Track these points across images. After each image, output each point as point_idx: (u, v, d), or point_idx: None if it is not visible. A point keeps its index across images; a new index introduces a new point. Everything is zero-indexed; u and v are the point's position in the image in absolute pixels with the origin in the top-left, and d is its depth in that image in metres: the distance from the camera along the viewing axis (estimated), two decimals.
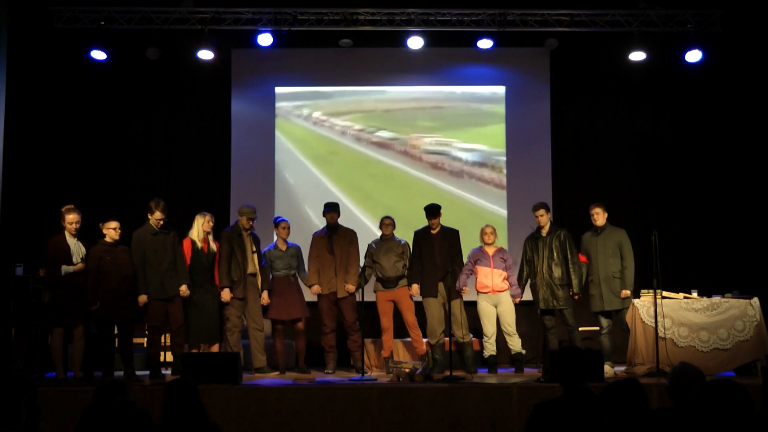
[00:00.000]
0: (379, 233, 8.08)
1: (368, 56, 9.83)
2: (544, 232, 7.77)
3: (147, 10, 8.91)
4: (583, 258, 7.70)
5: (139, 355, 7.60)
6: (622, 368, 7.35)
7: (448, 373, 6.90)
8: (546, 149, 9.72)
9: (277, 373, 7.65)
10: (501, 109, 9.83)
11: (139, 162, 9.71)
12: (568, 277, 7.62)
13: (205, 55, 9.04)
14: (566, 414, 3.50)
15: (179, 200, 8.95)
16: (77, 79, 9.44)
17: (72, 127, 9.54)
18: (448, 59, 9.81)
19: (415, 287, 7.75)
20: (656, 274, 7.03)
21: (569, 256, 7.64)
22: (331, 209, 7.93)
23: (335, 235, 7.86)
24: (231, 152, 9.70)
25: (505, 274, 7.78)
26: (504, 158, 9.75)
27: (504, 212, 9.66)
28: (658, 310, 7.03)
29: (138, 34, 9.02)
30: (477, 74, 9.84)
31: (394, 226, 7.96)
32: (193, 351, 7.21)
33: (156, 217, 7.13)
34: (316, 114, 9.86)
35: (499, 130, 9.80)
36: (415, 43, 9.15)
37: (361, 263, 7.93)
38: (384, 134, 9.80)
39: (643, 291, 7.42)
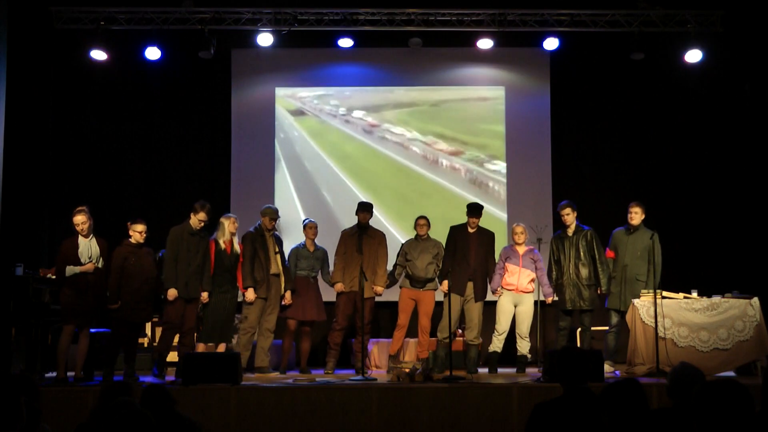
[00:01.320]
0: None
1: (368, 56, 9.84)
2: (570, 232, 7.69)
3: (147, 10, 8.91)
4: (610, 253, 7.66)
5: (140, 355, 7.60)
6: (623, 368, 7.35)
7: (448, 373, 6.90)
8: (546, 149, 9.72)
9: (277, 373, 7.65)
10: (501, 109, 9.83)
11: (138, 162, 9.71)
12: (596, 276, 7.58)
13: (205, 55, 9.04)
14: (566, 414, 3.50)
15: (179, 200, 8.93)
16: (77, 79, 9.45)
17: (72, 127, 9.54)
18: (448, 59, 9.81)
19: (445, 283, 7.65)
20: (656, 274, 7.01)
21: (596, 255, 7.58)
22: (364, 209, 7.92)
23: (365, 235, 7.85)
24: (231, 152, 9.70)
25: (533, 275, 7.75)
26: (504, 158, 9.75)
27: (504, 212, 9.66)
28: (658, 310, 7.02)
29: (138, 34, 9.02)
30: (477, 74, 9.85)
31: (429, 226, 7.91)
32: (204, 349, 7.26)
33: (199, 218, 7.18)
34: (316, 114, 9.86)
35: (498, 131, 9.81)
36: (415, 43, 9.15)
37: (391, 262, 7.92)
38: (384, 134, 9.80)
39: (643, 291, 7.42)
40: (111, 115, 9.66)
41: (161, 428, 3.30)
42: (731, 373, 7.16)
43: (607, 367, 7.11)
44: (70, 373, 6.95)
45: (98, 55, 8.92)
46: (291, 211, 9.58)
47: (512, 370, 7.79)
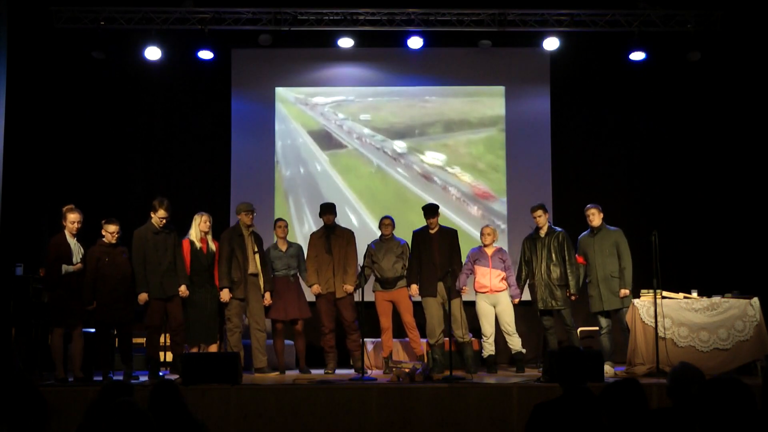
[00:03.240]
0: (379, 233, 8.07)
1: (368, 56, 9.83)
2: (542, 233, 7.77)
3: (147, 10, 8.91)
4: (580, 259, 7.70)
5: (139, 355, 7.60)
6: (622, 368, 7.35)
7: (448, 373, 6.90)
8: (546, 149, 9.72)
9: (277, 373, 7.65)
10: (501, 109, 9.83)
11: (139, 162, 9.71)
12: (566, 277, 7.62)
13: (205, 55, 9.05)
14: (566, 414, 3.50)
15: (179, 200, 8.92)
16: (77, 79, 9.44)
17: (72, 127, 9.53)
18: (448, 59, 9.81)
19: (414, 287, 7.75)
20: (656, 274, 7.03)
21: (567, 257, 7.64)
22: (327, 210, 7.91)
23: (333, 235, 7.84)
24: (231, 152, 9.70)
25: (503, 274, 7.78)
26: (504, 158, 9.74)
27: (504, 212, 9.66)
28: (658, 310, 7.02)
29: (138, 34, 9.02)
30: (477, 74, 9.85)
31: (393, 226, 7.96)
32: (192, 351, 7.20)
33: (159, 216, 7.10)
34: (316, 114, 9.86)
35: (498, 130, 9.80)
36: (415, 43, 9.15)
37: (360, 263, 7.93)
38: (384, 134, 9.80)
39: (643, 291, 7.42)
40: (111, 115, 9.66)
41: (170, 428, 3.27)
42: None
43: (609, 369, 7.10)
44: (70, 378, 6.94)
45: (98, 55, 8.91)
46: (291, 211, 9.59)
47: (512, 370, 7.80)
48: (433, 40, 9.30)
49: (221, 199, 9.45)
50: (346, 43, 9.25)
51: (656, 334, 6.99)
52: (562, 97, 9.84)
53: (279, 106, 9.84)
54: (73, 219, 6.85)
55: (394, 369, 6.95)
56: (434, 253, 7.71)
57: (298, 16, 9.09)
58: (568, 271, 7.61)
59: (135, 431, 2.70)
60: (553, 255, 7.65)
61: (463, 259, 7.87)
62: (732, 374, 3.58)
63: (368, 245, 8.01)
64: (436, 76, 9.84)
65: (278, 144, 9.77)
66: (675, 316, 7.18)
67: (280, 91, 9.86)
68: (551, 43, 9.23)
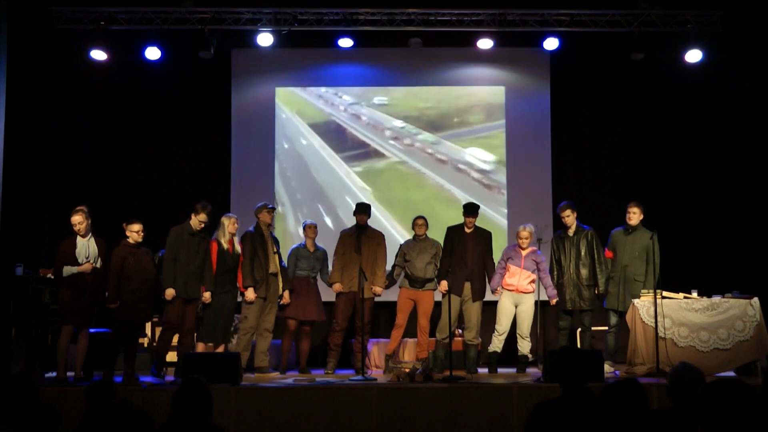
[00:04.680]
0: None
1: (368, 56, 9.83)
2: (570, 232, 7.71)
3: (147, 10, 8.91)
4: (609, 253, 7.66)
5: (140, 355, 7.61)
6: (623, 368, 7.35)
7: (448, 373, 6.90)
8: (546, 149, 9.72)
9: (277, 373, 7.65)
10: (501, 109, 9.83)
11: (138, 162, 9.71)
12: (595, 276, 7.59)
13: (205, 55, 9.04)
14: (566, 414, 3.50)
15: (179, 200, 8.94)
16: (77, 79, 9.44)
17: (72, 127, 9.54)
18: (448, 59, 9.81)
19: (444, 283, 7.61)
20: (656, 274, 7.01)
21: (596, 256, 7.60)
22: (362, 210, 7.91)
23: (363, 235, 7.84)
24: (231, 152, 9.70)
25: (533, 276, 7.74)
26: (504, 158, 9.74)
27: (504, 212, 9.66)
28: (658, 310, 7.02)
29: (138, 34, 9.02)
30: (477, 74, 9.84)
31: (427, 226, 7.90)
32: (217, 349, 7.28)
33: (200, 219, 7.17)
34: (316, 114, 9.85)
35: (498, 131, 9.80)
36: (415, 42, 9.15)
37: (389, 263, 7.90)
38: (384, 134, 9.80)
39: (643, 291, 7.42)
40: (111, 115, 9.66)
41: (193, 422, 3.14)
42: (731, 373, 7.16)
43: (607, 368, 7.11)
44: (70, 373, 6.95)
45: (98, 55, 8.91)
46: (291, 211, 9.59)
47: (512, 370, 7.80)
48: (433, 40, 9.30)
49: (221, 200, 9.43)
50: (346, 43, 9.25)
51: (656, 334, 6.99)
52: (562, 97, 9.84)
53: (279, 106, 9.83)
54: (74, 221, 6.83)
55: (394, 369, 6.95)
56: (467, 253, 7.67)
57: (298, 16, 9.09)
58: (597, 269, 7.57)
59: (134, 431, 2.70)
60: (582, 254, 7.60)
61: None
62: (734, 376, 3.58)
63: (400, 245, 8.01)
64: (436, 76, 9.84)
65: (278, 144, 9.77)
66: (675, 316, 7.18)
67: (280, 91, 9.86)
68: (551, 43, 9.23)
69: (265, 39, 9.12)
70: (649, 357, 7.05)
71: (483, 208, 9.58)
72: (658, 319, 7.01)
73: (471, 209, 7.77)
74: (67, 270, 6.75)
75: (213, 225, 7.50)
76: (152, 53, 8.99)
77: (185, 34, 9.07)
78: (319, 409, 6.11)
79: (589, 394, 3.55)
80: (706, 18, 9.04)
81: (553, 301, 7.75)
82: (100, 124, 9.64)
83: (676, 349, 7.08)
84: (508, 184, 9.70)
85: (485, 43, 9.20)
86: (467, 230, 7.77)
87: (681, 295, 7.41)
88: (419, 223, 7.89)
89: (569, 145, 9.85)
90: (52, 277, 7.08)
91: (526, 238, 7.76)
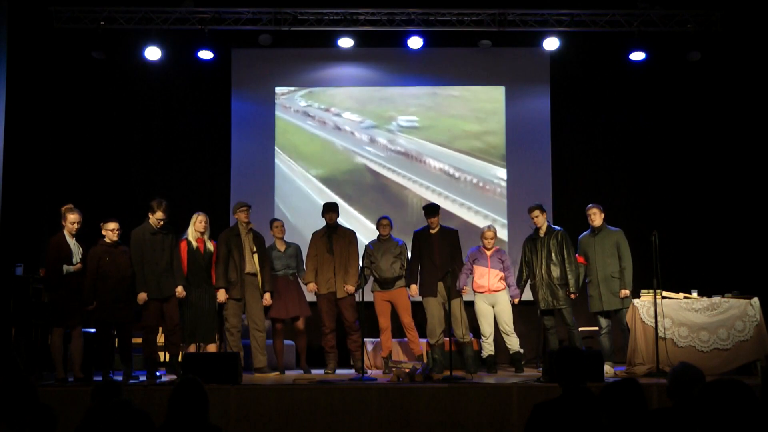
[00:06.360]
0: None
1: (368, 56, 9.83)
2: (541, 233, 7.76)
3: (147, 10, 8.91)
4: (580, 259, 7.70)
5: (139, 355, 7.59)
6: (623, 368, 7.35)
7: (448, 373, 6.90)
8: (546, 149, 9.72)
9: (277, 373, 7.64)
10: (501, 109, 9.83)
11: (138, 162, 9.72)
12: (566, 276, 7.62)
13: (205, 55, 9.05)
14: (566, 414, 3.50)
15: (179, 200, 8.93)
16: (77, 79, 9.44)
17: (72, 127, 9.53)
18: (448, 59, 9.81)
19: (414, 288, 7.74)
20: (656, 274, 7.02)
21: (566, 256, 7.63)
22: (330, 209, 7.90)
23: (335, 235, 7.83)
24: (231, 152, 9.70)
25: (501, 274, 7.78)
26: (504, 158, 9.74)
27: (504, 213, 9.65)
28: (658, 310, 7.02)
29: (138, 34, 9.02)
30: (477, 74, 9.84)
31: (391, 226, 7.94)
32: (189, 350, 7.23)
33: (157, 217, 7.11)
34: (316, 114, 9.85)
35: (498, 131, 9.80)
36: (415, 43, 9.15)
37: (360, 264, 7.92)
38: (383, 134, 9.80)
39: (643, 291, 7.42)
40: (111, 115, 9.65)
41: (189, 422, 3.15)
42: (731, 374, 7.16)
43: (608, 369, 7.10)
44: (70, 379, 6.93)
45: (98, 55, 8.91)
46: (291, 211, 9.58)
47: (511, 370, 7.80)
48: (433, 40, 9.30)
49: (221, 199, 9.45)
50: (346, 43, 9.24)
51: (656, 334, 6.99)
52: (562, 97, 9.84)
53: (279, 106, 9.84)
54: (72, 219, 6.85)
55: (394, 369, 6.94)
56: (435, 253, 7.71)
57: (298, 16, 9.09)
58: (568, 270, 7.61)
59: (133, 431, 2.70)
60: (553, 254, 7.64)
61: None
62: (734, 376, 3.57)
63: (366, 246, 8.01)
64: (436, 76, 9.84)
65: (278, 143, 9.77)
66: (675, 316, 7.18)
67: (280, 91, 9.86)
68: (551, 43, 9.23)
69: (265, 39, 9.15)
70: (649, 357, 7.05)
71: (483, 208, 9.64)
72: (658, 319, 7.01)
73: (431, 210, 7.83)
74: (66, 269, 6.75)
75: (180, 220, 7.50)
76: (152, 53, 8.98)
77: (185, 34, 9.07)
78: (319, 409, 6.11)
79: (588, 394, 3.55)
80: (705, 18, 9.04)
81: (516, 301, 7.78)
82: (99, 124, 9.62)
83: (676, 349, 7.08)
84: (508, 184, 9.69)
85: (485, 43, 9.19)
86: (432, 231, 7.80)
87: (681, 295, 7.42)
88: (384, 223, 7.91)
89: (569, 145, 9.85)
90: (43, 275, 7.05)
91: (491, 238, 7.81)
